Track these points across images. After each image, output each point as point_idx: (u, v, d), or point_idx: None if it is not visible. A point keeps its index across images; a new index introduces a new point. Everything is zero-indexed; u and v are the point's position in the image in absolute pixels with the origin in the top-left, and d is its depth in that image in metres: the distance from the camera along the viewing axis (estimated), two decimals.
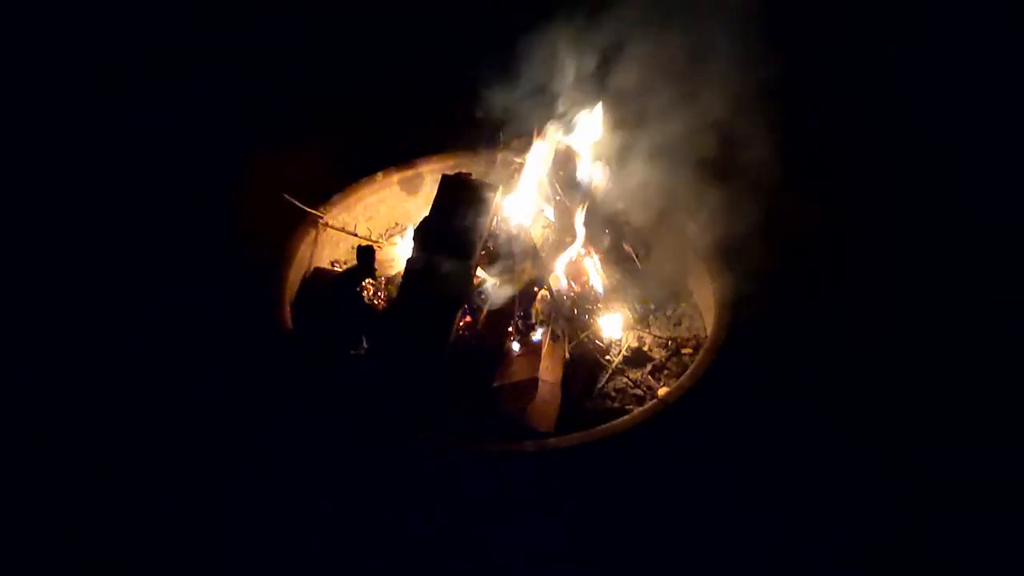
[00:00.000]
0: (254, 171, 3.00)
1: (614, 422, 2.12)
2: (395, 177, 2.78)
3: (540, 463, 2.07)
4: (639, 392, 2.36)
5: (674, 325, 2.60)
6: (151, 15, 3.43)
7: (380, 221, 2.81)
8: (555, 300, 2.37)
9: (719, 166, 2.53)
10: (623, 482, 2.18)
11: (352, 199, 2.72)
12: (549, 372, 2.25)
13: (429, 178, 2.76)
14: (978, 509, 2.18)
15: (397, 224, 2.82)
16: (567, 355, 2.33)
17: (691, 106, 2.40)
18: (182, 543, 2.10)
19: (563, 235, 2.42)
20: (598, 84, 2.41)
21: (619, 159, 2.43)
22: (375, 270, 2.48)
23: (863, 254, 2.83)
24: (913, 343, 2.55)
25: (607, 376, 2.39)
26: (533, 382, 2.19)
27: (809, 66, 3.14)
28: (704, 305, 2.56)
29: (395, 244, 2.65)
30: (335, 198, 2.68)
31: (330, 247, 2.70)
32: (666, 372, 2.44)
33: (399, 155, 2.79)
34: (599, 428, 2.10)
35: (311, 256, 2.59)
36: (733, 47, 2.45)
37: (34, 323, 2.57)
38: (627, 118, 2.43)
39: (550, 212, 2.45)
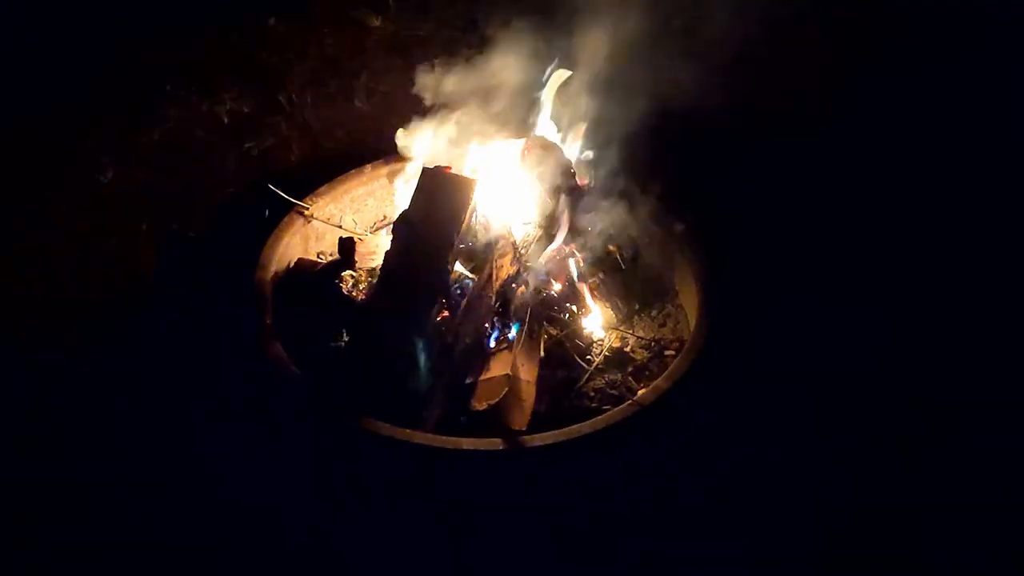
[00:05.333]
0: (239, 162, 3.01)
1: (586, 422, 2.09)
2: (383, 170, 2.77)
3: (509, 461, 2.05)
4: (618, 393, 2.33)
5: (659, 326, 2.56)
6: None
7: (368, 214, 2.80)
8: (533, 297, 2.34)
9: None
10: (593, 482, 2.14)
11: (339, 191, 2.71)
12: (524, 370, 2.23)
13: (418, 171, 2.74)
14: (966, 511, 2.16)
15: (384, 217, 2.81)
16: (542, 353, 2.30)
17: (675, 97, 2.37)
18: (167, 543, 2.08)
19: (544, 232, 2.39)
20: (580, 79, 2.39)
21: (602, 155, 2.40)
22: (355, 262, 2.46)
23: (850, 250, 2.78)
24: (902, 344, 2.50)
25: (586, 376, 2.36)
26: (506, 379, 2.17)
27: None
28: (690, 306, 2.52)
29: (378, 236, 2.64)
30: (321, 189, 2.68)
31: (317, 239, 2.69)
32: (648, 374, 2.40)
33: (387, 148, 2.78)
34: (570, 428, 2.07)
35: (296, 248, 2.59)
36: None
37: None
38: (610, 110, 2.40)
39: (532, 208, 2.42)
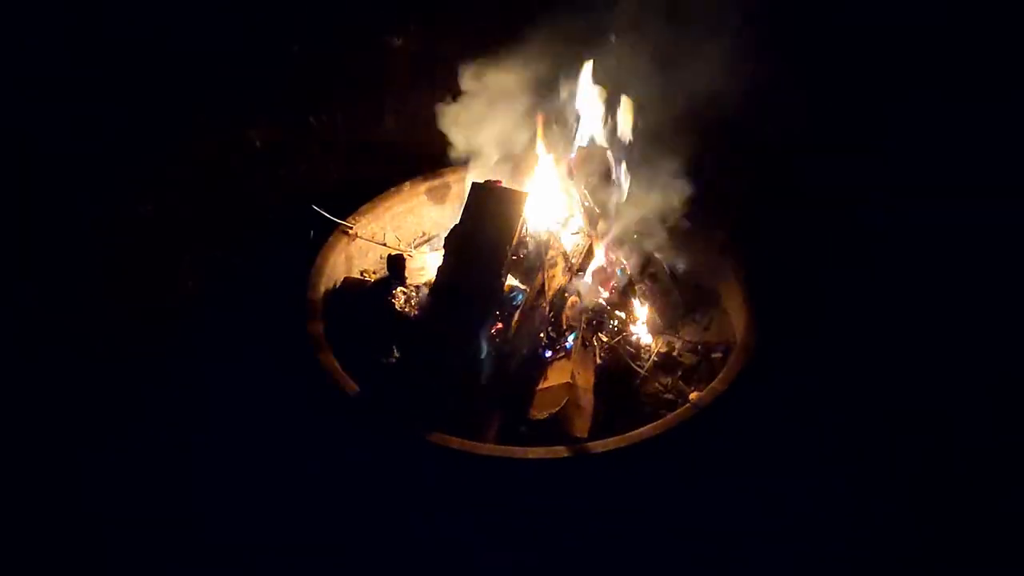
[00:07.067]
0: (282, 182, 3.04)
1: (647, 427, 2.12)
2: (422, 187, 2.80)
3: (574, 468, 2.07)
4: (670, 397, 2.36)
5: (703, 330, 2.60)
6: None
7: (408, 230, 2.83)
8: (585, 306, 2.37)
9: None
10: (658, 486, 2.18)
11: (380, 209, 2.75)
12: (581, 378, 2.26)
13: (456, 187, 2.78)
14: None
15: (424, 233, 2.84)
16: (598, 360, 2.34)
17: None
18: (202, 538, 2.13)
19: (592, 241, 2.43)
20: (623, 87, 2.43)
21: (645, 162, 2.44)
22: (405, 278, 2.50)
23: (895, 252, 2.82)
24: (953, 347, 2.53)
25: (639, 381, 2.39)
26: (565, 387, 2.20)
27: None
28: (734, 309, 2.56)
29: (424, 252, 2.67)
30: (363, 208, 2.71)
31: (359, 257, 2.72)
32: (696, 377, 2.43)
33: (425, 164, 2.81)
34: (633, 432, 2.09)
35: (340, 267, 2.62)
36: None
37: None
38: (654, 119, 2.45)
39: (579, 219, 2.46)
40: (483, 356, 2.23)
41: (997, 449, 2.31)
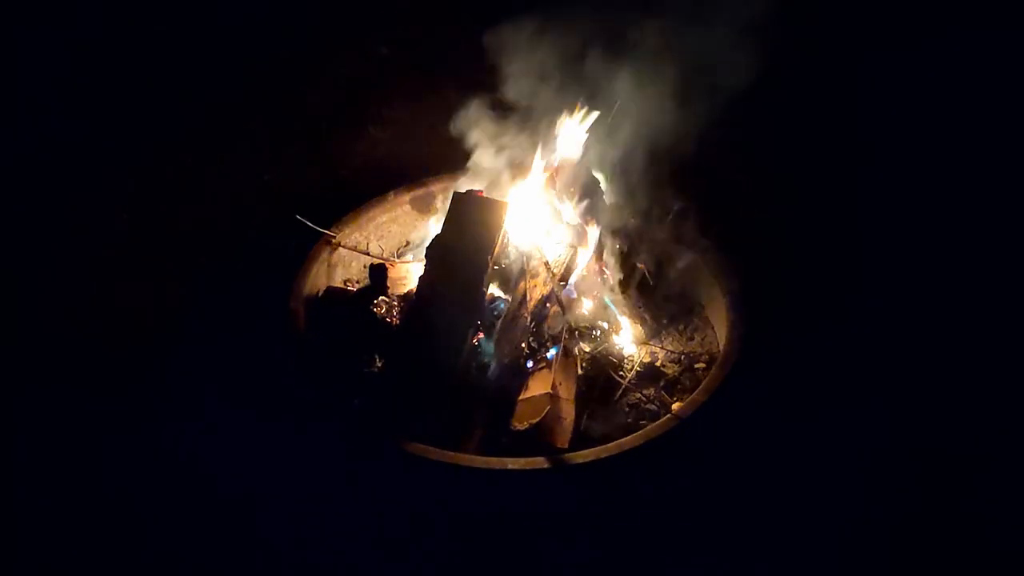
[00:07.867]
0: (265, 192, 3.03)
1: (628, 437, 2.11)
2: (406, 196, 2.80)
3: (555, 479, 2.06)
4: (653, 407, 2.35)
5: (687, 340, 2.60)
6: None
7: (392, 240, 2.83)
8: (567, 316, 2.36)
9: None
10: (639, 497, 2.16)
11: (363, 218, 2.74)
12: (563, 388, 2.25)
13: (440, 197, 2.78)
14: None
15: (408, 243, 2.84)
16: (580, 371, 2.33)
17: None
18: (185, 546, 2.12)
19: (574, 251, 2.42)
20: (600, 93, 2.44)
21: (626, 172, 2.44)
22: (388, 288, 2.49)
23: (875, 264, 2.82)
24: (939, 358, 2.53)
25: (621, 392, 2.38)
26: (547, 398, 2.19)
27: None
28: (717, 319, 2.56)
29: (407, 262, 2.66)
30: (347, 218, 2.71)
31: (342, 267, 2.71)
32: (679, 387, 2.43)
33: (410, 174, 2.81)
34: (613, 443, 2.09)
35: (323, 276, 2.61)
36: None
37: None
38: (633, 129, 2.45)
39: (562, 228, 2.45)
40: (464, 366, 2.22)
41: (987, 454, 2.32)
